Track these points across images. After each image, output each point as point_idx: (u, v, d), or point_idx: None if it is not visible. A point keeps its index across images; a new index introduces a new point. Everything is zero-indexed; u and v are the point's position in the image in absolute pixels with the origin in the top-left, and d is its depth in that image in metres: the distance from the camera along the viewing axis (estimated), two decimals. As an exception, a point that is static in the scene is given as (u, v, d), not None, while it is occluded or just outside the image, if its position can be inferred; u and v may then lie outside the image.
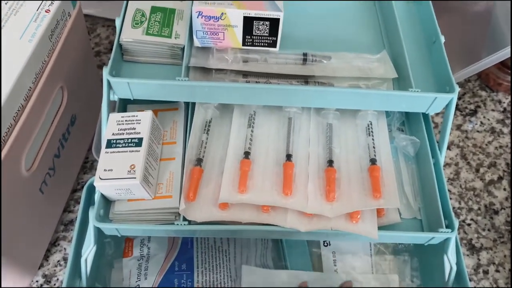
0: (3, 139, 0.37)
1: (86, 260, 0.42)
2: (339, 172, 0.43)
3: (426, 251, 0.48)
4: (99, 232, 0.41)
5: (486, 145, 0.64)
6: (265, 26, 0.43)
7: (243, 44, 0.45)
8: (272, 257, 0.50)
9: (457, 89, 0.43)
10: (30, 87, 0.39)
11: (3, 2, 0.41)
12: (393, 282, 0.49)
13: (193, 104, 0.47)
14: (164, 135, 0.45)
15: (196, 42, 0.45)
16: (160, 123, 0.45)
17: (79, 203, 0.54)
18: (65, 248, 0.52)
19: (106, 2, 0.69)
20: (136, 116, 0.42)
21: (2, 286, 0.44)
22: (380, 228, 0.41)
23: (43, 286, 0.49)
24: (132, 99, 0.43)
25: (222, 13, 0.42)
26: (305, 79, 0.46)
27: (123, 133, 0.41)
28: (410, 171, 0.47)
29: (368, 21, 0.52)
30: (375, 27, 0.52)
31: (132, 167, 0.39)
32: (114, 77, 0.41)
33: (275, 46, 0.45)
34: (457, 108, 0.66)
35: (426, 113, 0.45)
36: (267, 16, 0.43)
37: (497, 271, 0.54)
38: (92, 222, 0.40)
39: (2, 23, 0.40)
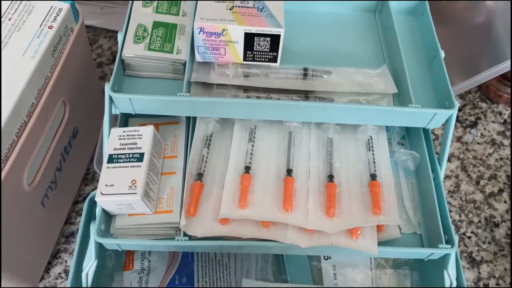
0: (5, 156, 0.37)
1: (87, 274, 0.42)
2: (340, 187, 0.43)
3: (426, 265, 0.48)
4: (100, 246, 0.42)
5: (487, 157, 0.64)
6: (266, 42, 0.44)
7: (244, 59, 0.45)
8: (273, 271, 0.50)
9: (457, 105, 0.43)
10: (32, 103, 0.40)
11: (6, 19, 0.41)
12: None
13: (194, 117, 0.47)
14: (165, 149, 0.46)
15: (198, 57, 0.45)
16: (161, 137, 0.45)
17: (80, 215, 0.55)
18: (66, 261, 0.52)
19: (108, 13, 0.69)
20: (138, 131, 0.42)
21: (3, 299, 0.44)
22: (380, 243, 0.41)
23: (44, 299, 0.50)
24: (133, 113, 0.43)
25: (223, 29, 0.43)
26: (306, 94, 0.46)
27: (125, 148, 0.41)
28: (410, 186, 0.47)
29: (368, 34, 0.52)
30: (375, 41, 0.52)
31: (133, 182, 0.39)
32: (116, 93, 0.41)
33: (276, 61, 0.46)
34: (457, 119, 0.67)
35: (426, 128, 0.45)
36: (268, 33, 0.43)
37: (497, 284, 0.54)
38: (94, 237, 0.40)
39: (5, 40, 0.40)
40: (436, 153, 0.48)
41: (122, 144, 0.42)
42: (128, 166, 0.40)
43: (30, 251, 0.46)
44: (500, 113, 0.68)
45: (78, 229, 0.53)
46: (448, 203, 0.59)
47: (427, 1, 0.52)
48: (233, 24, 0.42)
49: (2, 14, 0.42)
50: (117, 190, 0.39)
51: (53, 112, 0.43)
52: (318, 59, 0.48)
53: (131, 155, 0.41)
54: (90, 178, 0.58)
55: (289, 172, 0.43)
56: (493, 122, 0.67)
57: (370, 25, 0.53)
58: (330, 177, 0.43)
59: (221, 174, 0.44)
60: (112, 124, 0.44)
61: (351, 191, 0.43)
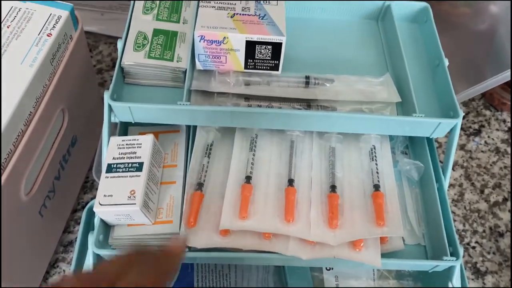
0: (2, 165, 0.36)
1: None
2: (342, 198, 0.42)
3: (430, 276, 0.47)
4: (98, 257, 0.41)
5: (491, 165, 0.63)
6: (268, 50, 0.43)
7: (245, 67, 0.45)
8: (274, 281, 0.49)
9: (462, 114, 0.42)
10: (30, 111, 0.39)
11: (5, 26, 0.41)
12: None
13: (195, 126, 0.46)
14: (165, 158, 0.45)
15: (198, 65, 0.45)
16: (161, 146, 0.44)
17: (79, 223, 0.54)
18: (64, 270, 0.51)
19: (109, 19, 0.69)
20: (137, 140, 0.42)
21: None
22: (384, 255, 0.41)
23: (42, 309, 0.49)
24: (133, 122, 0.42)
25: (224, 37, 0.42)
26: (308, 103, 0.45)
27: (124, 157, 0.40)
28: (414, 196, 0.46)
29: (371, 42, 0.52)
30: (378, 48, 0.51)
31: (132, 192, 0.39)
32: (115, 101, 0.41)
33: (277, 69, 0.45)
34: (461, 127, 0.66)
35: (430, 137, 0.45)
36: (269, 41, 0.42)
37: (502, 296, 0.53)
38: (92, 249, 0.39)
39: (4, 48, 0.39)
40: (440, 161, 0.47)
41: (121, 153, 0.41)
42: (127, 176, 0.39)
43: (28, 261, 0.45)
44: (504, 121, 0.67)
45: (76, 238, 0.52)
46: (452, 212, 0.58)
47: (430, 9, 0.51)
48: (234, 32, 0.42)
49: (0, 21, 0.41)
50: (115, 201, 0.38)
51: (52, 120, 0.43)
52: (320, 67, 0.48)
53: (130, 165, 0.40)
54: (89, 186, 0.57)
55: (290, 182, 0.43)
56: (497, 130, 0.66)
57: (372, 32, 0.53)
58: (333, 187, 0.43)
59: (221, 184, 0.43)
60: (112, 132, 0.43)
61: (354, 201, 0.42)
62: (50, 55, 0.41)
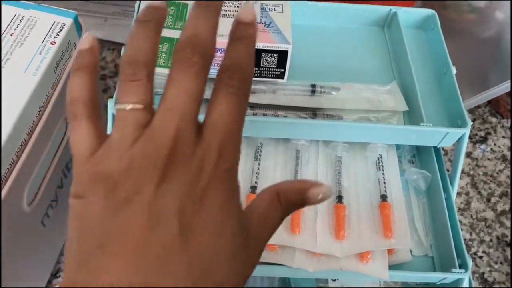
0: (4, 176, 0.36)
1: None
2: (349, 208, 0.42)
3: (437, 286, 0.47)
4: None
5: (497, 173, 0.62)
6: (273, 58, 0.43)
7: (251, 75, 0.44)
8: (279, 292, 0.48)
9: (470, 123, 0.42)
10: (33, 121, 0.39)
11: (8, 34, 0.41)
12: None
13: (199, 135, 0.46)
14: (169, 167, 0.44)
15: (203, 73, 0.44)
16: (165, 155, 0.44)
17: (81, 232, 0.54)
18: (66, 279, 0.51)
19: (112, 25, 0.69)
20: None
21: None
22: (391, 266, 0.40)
23: (43, 319, 0.48)
24: (137, 131, 0.42)
25: (230, 45, 0.42)
26: (314, 111, 0.45)
27: (128, 167, 0.40)
28: (421, 206, 0.45)
29: (377, 49, 0.51)
30: (384, 56, 0.51)
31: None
32: (119, 110, 0.40)
33: (283, 78, 0.45)
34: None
35: (438, 147, 0.44)
36: (275, 49, 0.42)
37: (510, 307, 0.52)
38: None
39: (7, 56, 0.39)
40: (447, 169, 0.46)
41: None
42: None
43: (30, 271, 0.45)
44: (511, 128, 0.67)
45: (79, 247, 0.52)
46: (459, 221, 0.58)
47: (437, 16, 0.51)
48: (239, 40, 0.41)
49: (4, 29, 0.41)
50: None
51: (55, 129, 0.42)
52: (326, 75, 0.47)
53: (134, 175, 0.39)
54: (92, 194, 0.56)
55: (296, 192, 0.42)
56: (503, 137, 0.66)
57: (379, 39, 0.52)
58: (339, 198, 0.42)
59: (226, 193, 0.43)
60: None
61: (360, 212, 0.42)
62: (54, 64, 0.40)
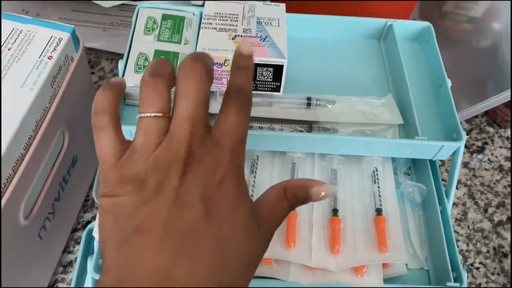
0: (1, 190, 0.36)
1: (83, 310, 0.41)
2: (344, 222, 0.42)
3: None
4: (97, 281, 0.40)
5: (494, 183, 0.62)
6: (269, 72, 0.43)
7: (247, 89, 0.45)
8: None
9: (465, 137, 0.42)
10: (30, 135, 0.39)
11: (6, 49, 0.41)
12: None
13: (196, 147, 0.46)
14: (165, 180, 0.45)
15: (199, 87, 0.45)
16: (161, 168, 0.44)
17: (79, 243, 0.54)
18: (63, 291, 0.51)
19: (110, 36, 0.69)
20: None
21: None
22: (386, 279, 0.40)
23: (40, 331, 0.48)
24: (133, 145, 0.42)
25: (226, 60, 0.42)
26: (309, 124, 0.45)
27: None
28: (417, 219, 0.45)
29: (373, 61, 0.52)
30: (380, 68, 0.51)
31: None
32: (115, 125, 0.40)
33: (279, 91, 0.45)
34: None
35: (433, 160, 0.44)
36: (270, 63, 0.42)
37: (507, 318, 0.52)
38: (90, 274, 0.39)
39: (4, 71, 0.39)
40: (443, 179, 0.47)
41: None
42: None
43: (27, 282, 0.45)
44: (508, 138, 0.67)
45: (76, 258, 0.52)
46: (456, 232, 0.58)
47: (433, 28, 0.51)
48: (235, 54, 0.42)
49: (2, 43, 0.41)
50: (115, 225, 0.38)
51: (52, 143, 0.42)
52: (322, 87, 0.47)
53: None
54: (89, 205, 0.57)
55: (292, 205, 0.42)
56: (501, 147, 0.66)
57: (375, 52, 0.52)
58: (335, 211, 0.42)
59: (222, 206, 0.43)
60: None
61: (356, 226, 0.42)
62: (51, 78, 0.41)
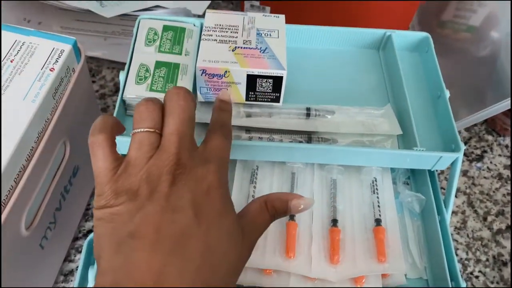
0: (3, 202, 0.36)
1: (84, 320, 0.41)
2: (343, 232, 0.42)
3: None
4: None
5: (494, 192, 0.63)
6: (269, 83, 0.43)
7: (247, 99, 0.45)
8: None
9: (463, 148, 0.42)
10: (32, 147, 0.39)
11: (8, 61, 0.41)
12: None
13: (196, 157, 0.46)
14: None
15: (200, 97, 0.45)
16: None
17: (80, 252, 0.54)
18: (64, 300, 0.51)
19: (112, 44, 0.69)
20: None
21: None
22: (385, 290, 0.40)
23: None
24: (134, 155, 0.42)
25: (226, 71, 0.42)
26: (309, 135, 0.45)
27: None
28: (416, 228, 0.46)
29: (372, 72, 0.52)
30: (379, 78, 0.51)
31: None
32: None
33: (278, 101, 0.45)
34: (463, 153, 0.65)
35: (432, 170, 0.45)
36: (270, 74, 0.43)
37: (506, 327, 0.52)
38: (92, 283, 0.39)
39: (7, 83, 0.40)
40: (442, 188, 0.47)
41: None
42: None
43: (28, 292, 0.45)
44: (507, 146, 0.67)
45: (77, 267, 0.52)
46: (455, 240, 0.58)
47: (431, 39, 0.51)
48: (235, 66, 0.42)
49: (4, 55, 0.42)
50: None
51: (53, 153, 0.43)
52: (321, 97, 0.48)
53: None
54: (90, 214, 0.57)
55: (291, 216, 0.42)
56: (500, 155, 0.66)
57: (374, 62, 0.53)
58: (334, 222, 0.42)
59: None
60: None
61: (355, 236, 0.42)
62: (53, 90, 0.41)
